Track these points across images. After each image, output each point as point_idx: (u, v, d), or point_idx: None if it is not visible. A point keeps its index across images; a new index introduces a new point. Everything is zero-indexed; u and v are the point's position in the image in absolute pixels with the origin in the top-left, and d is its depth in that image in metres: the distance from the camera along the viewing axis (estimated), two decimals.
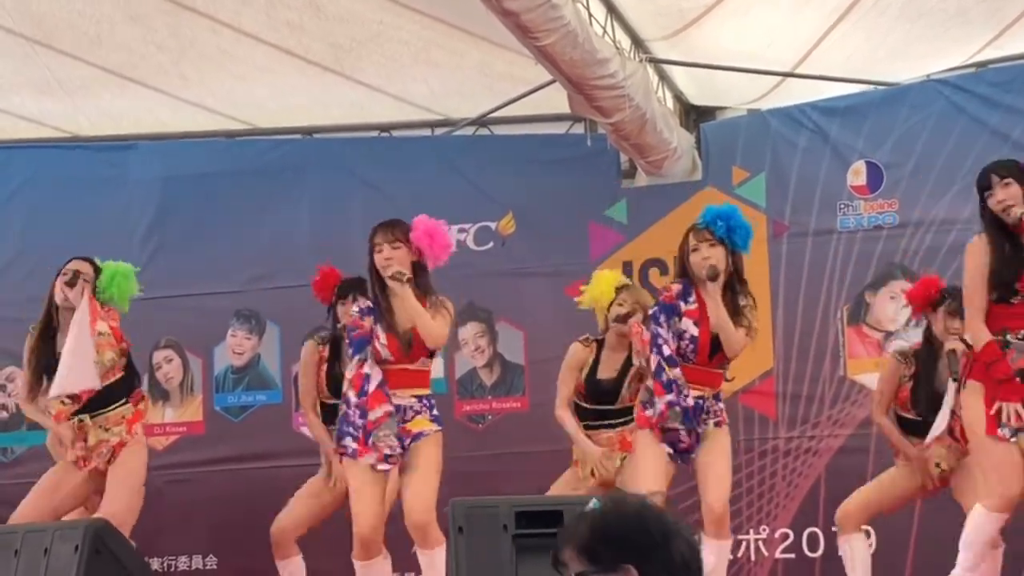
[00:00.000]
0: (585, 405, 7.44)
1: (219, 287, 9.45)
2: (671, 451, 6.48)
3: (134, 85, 9.31)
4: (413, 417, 6.30)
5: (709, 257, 6.34)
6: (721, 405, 6.55)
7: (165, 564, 9.25)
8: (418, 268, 6.32)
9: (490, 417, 9.24)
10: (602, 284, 7.51)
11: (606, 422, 7.35)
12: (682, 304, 6.43)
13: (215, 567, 9.27)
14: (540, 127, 9.75)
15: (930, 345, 7.11)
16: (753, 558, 8.69)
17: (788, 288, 8.85)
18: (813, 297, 8.79)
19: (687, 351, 6.41)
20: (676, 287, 6.46)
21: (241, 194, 9.56)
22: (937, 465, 7.01)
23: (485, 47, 8.73)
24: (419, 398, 6.32)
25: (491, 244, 9.16)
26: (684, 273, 6.49)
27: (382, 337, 6.29)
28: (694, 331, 6.39)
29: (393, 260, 6.25)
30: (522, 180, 9.22)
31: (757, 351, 8.80)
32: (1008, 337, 5.83)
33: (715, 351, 6.42)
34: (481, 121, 9.74)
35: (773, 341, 8.82)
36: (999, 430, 5.81)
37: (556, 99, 8.64)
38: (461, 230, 8.99)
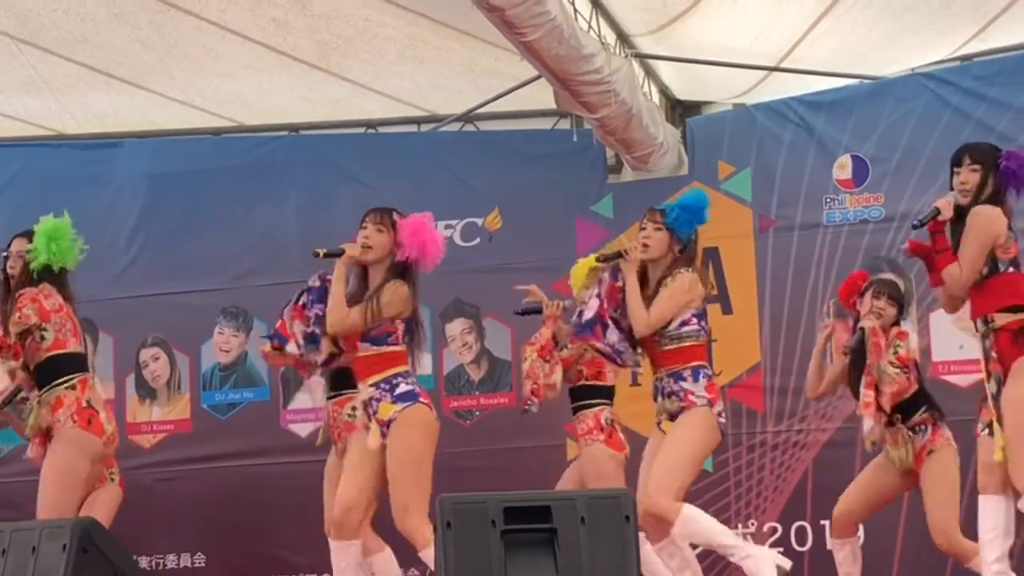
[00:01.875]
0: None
1: (206, 284, 9.44)
2: None
3: (119, 83, 9.31)
4: (377, 407, 6.18)
5: (648, 237, 6.28)
6: (687, 385, 6.23)
7: (153, 562, 9.24)
8: (395, 261, 6.23)
9: (478, 413, 9.24)
10: (576, 271, 7.50)
11: (586, 402, 7.43)
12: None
13: (203, 565, 9.27)
14: (526, 123, 9.77)
15: (861, 331, 7.14)
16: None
17: (775, 282, 8.87)
18: (800, 291, 8.81)
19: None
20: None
21: (227, 191, 9.55)
22: (873, 443, 7.03)
23: (471, 43, 8.74)
24: (376, 385, 6.18)
25: (478, 240, 9.17)
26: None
27: None
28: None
29: (370, 240, 6.17)
30: (508, 176, 9.23)
31: (744, 345, 8.84)
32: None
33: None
34: (467, 117, 9.75)
35: (760, 335, 8.84)
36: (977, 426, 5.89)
37: (542, 95, 8.65)
38: (448, 226, 8.99)
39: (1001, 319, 5.82)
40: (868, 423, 6.84)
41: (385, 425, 6.15)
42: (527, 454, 8.39)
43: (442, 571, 5.12)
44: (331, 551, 6.42)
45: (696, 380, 6.25)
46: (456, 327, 9.25)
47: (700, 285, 6.26)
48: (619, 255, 6.29)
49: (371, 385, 6.17)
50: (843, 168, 8.85)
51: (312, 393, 9.20)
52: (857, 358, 6.98)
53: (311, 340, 6.29)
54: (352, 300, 6.16)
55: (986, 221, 5.88)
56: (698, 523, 6.18)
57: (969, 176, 5.91)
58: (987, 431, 5.88)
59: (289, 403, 9.38)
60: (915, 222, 6.01)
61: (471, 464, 8.74)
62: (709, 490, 8.61)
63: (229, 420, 9.46)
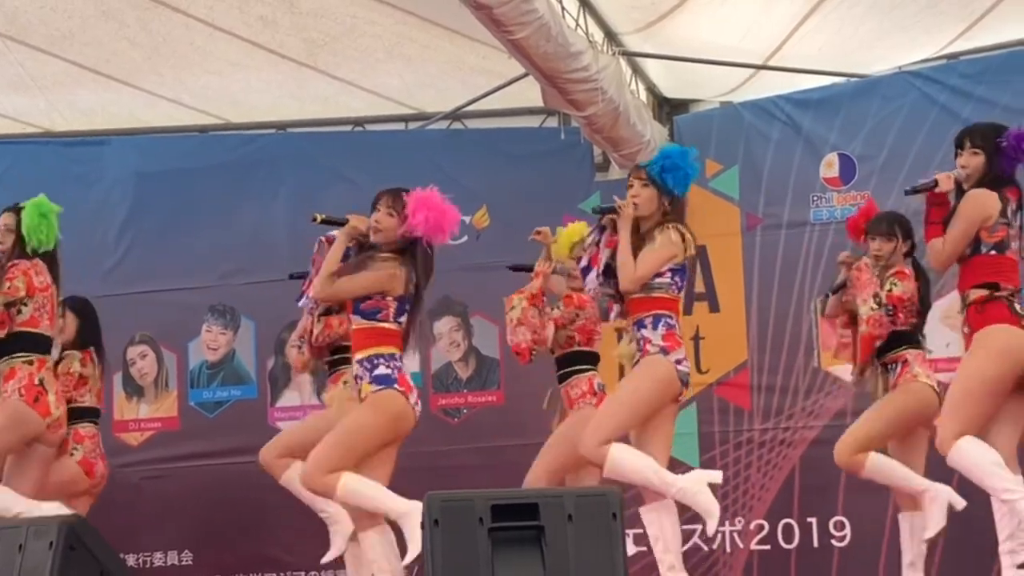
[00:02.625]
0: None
1: (193, 282, 9.43)
2: None
3: (107, 80, 9.30)
4: (360, 385, 6.15)
5: (637, 195, 6.30)
6: (647, 333, 6.22)
7: (141, 560, 9.23)
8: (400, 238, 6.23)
9: (465, 411, 9.25)
10: (563, 237, 7.51)
11: (559, 375, 7.44)
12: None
13: (191, 563, 9.26)
14: (514, 121, 9.78)
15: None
16: (728, 550, 8.72)
17: (762, 280, 8.88)
18: (787, 289, 8.82)
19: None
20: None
21: (215, 189, 9.54)
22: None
23: (458, 41, 8.75)
24: (360, 362, 6.13)
25: (465, 238, 9.13)
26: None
27: None
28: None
29: (380, 223, 6.19)
30: (496, 174, 9.23)
31: (731, 343, 8.85)
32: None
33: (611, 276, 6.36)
34: (455, 115, 9.75)
35: (747, 333, 8.85)
36: None
37: (530, 93, 8.66)
38: None
39: (974, 294, 5.99)
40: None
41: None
42: (515, 452, 8.38)
43: (430, 569, 5.13)
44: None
45: (655, 328, 6.24)
46: (444, 325, 9.25)
47: (683, 241, 6.27)
48: (614, 209, 6.30)
49: (357, 361, 6.15)
50: (830, 166, 8.87)
51: (300, 390, 9.23)
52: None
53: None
54: (342, 271, 6.17)
55: (976, 203, 6.02)
56: (625, 463, 6.15)
57: (970, 159, 6.01)
58: None
59: (277, 400, 9.38)
60: (908, 188, 6.07)
61: (458, 462, 8.76)
62: None
63: (217, 418, 9.45)
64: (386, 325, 6.17)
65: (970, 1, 8.35)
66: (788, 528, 8.66)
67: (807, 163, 8.91)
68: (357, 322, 6.16)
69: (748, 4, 8.33)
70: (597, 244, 6.37)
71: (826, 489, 8.49)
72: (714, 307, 9.00)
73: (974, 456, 5.91)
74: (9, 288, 6.71)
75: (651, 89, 9.57)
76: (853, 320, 7.08)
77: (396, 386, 6.10)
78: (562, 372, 7.44)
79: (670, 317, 6.26)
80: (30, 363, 6.82)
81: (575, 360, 7.42)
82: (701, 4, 8.18)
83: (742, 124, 9.09)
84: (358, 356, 6.14)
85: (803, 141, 8.94)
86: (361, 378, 6.12)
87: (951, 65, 8.90)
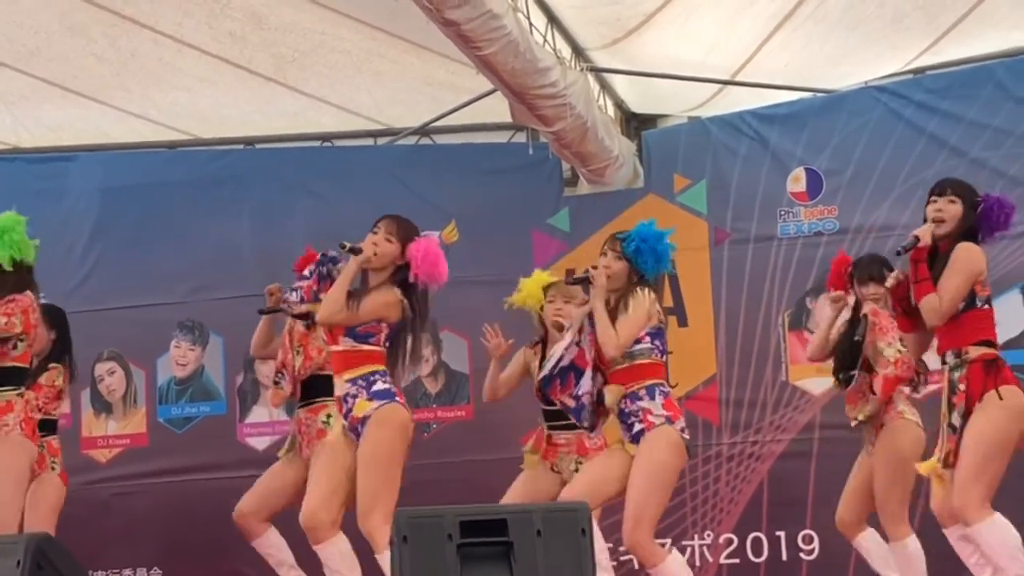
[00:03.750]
0: (543, 407, 7.38)
1: (161, 298, 9.41)
2: None
3: (74, 96, 9.28)
4: (353, 403, 6.22)
5: (608, 267, 6.27)
6: (644, 404, 6.20)
7: None
8: (399, 270, 6.29)
9: (435, 426, 9.25)
10: (529, 286, 7.53)
11: (562, 422, 7.21)
12: None
13: None
14: (482, 136, 9.79)
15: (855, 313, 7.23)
16: (698, 564, 8.74)
17: (730, 295, 8.91)
18: (755, 303, 8.85)
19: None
20: None
21: (183, 205, 9.52)
22: (855, 419, 7.09)
23: (427, 57, 8.75)
24: (352, 381, 6.22)
25: None
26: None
27: None
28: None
29: (376, 247, 6.25)
30: (465, 189, 9.24)
31: (700, 357, 8.87)
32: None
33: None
34: (423, 130, 9.76)
35: (716, 347, 8.88)
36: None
37: (498, 108, 8.67)
38: None
39: (975, 351, 5.84)
40: (847, 407, 6.99)
41: (359, 423, 6.19)
42: (484, 467, 8.39)
43: None
44: (322, 559, 6.45)
45: (652, 398, 6.22)
46: None
47: (655, 304, 6.27)
48: (587, 279, 6.27)
49: (347, 381, 6.21)
50: (797, 181, 8.90)
51: (269, 407, 9.21)
52: (844, 339, 7.10)
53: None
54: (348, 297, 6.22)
55: (972, 257, 5.90)
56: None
57: (947, 206, 5.92)
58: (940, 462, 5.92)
59: (246, 417, 9.37)
60: (899, 250, 5.94)
61: (427, 477, 8.72)
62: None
63: (185, 434, 9.43)
64: (376, 348, 6.27)
65: (935, 16, 8.39)
66: (757, 542, 8.68)
67: (774, 178, 8.94)
68: (347, 344, 6.23)
69: (714, 20, 8.36)
70: (578, 344, 6.23)
71: (795, 503, 8.52)
72: (682, 321, 9.02)
73: (1003, 535, 5.80)
74: (7, 324, 6.69)
75: (619, 104, 9.60)
76: (867, 366, 7.05)
77: (397, 399, 6.24)
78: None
79: (663, 384, 6.25)
80: (22, 395, 6.84)
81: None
82: (668, 20, 8.21)
83: (709, 139, 9.13)
84: (348, 376, 6.21)
85: (770, 156, 8.97)
86: (354, 396, 6.18)
87: (917, 80, 8.96)
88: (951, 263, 5.85)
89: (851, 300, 7.26)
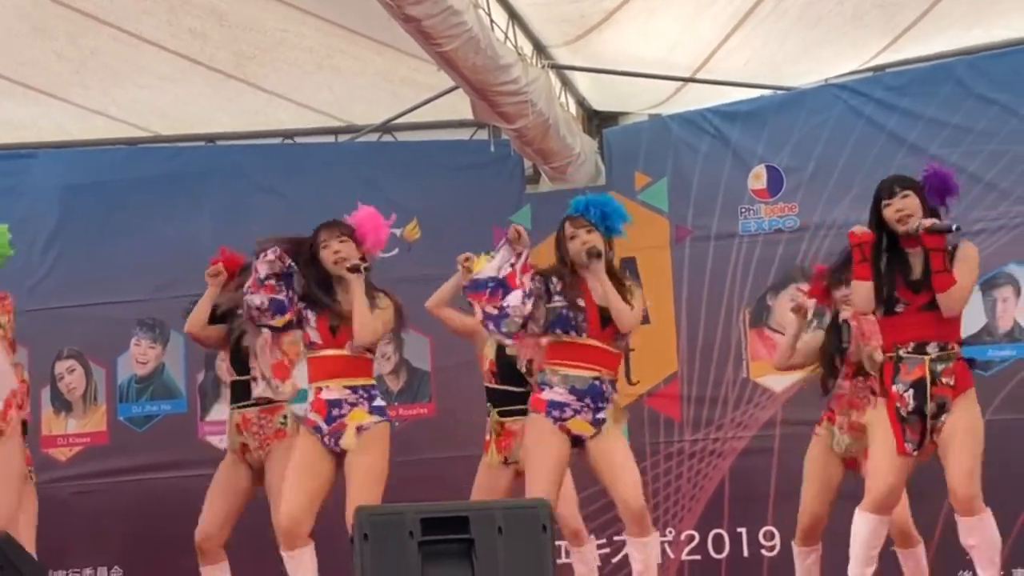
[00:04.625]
0: (496, 387, 7.36)
1: (122, 296, 9.37)
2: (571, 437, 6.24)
3: (34, 93, 9.23)
4: (349, 411, 6.26)
5: (588, 241, 6.28)
6: (614, 394, 6.29)
7: None
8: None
9: (396, 424, 9.19)
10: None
11: (518, 407, 7.11)
12: (551, 284, 6.31)
13: None
14: (444, 133, 9.78)
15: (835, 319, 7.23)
16: (660, 560, 8.75)
17: (691, 292, 8.93)
18: (716, 300, 8.88)
19: (577, 321, 6.23)
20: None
21: (143, 202, 9.48)
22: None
23: (388, 53, 8.75)
24: (352, 389, 6.28)
25: (396, 251, 9.13)
26: (563, 261, 6.37)
27: (312, 320, 6.34)
28: (579, 301, 6.24)
29: (342, 252, 6.32)
30: (426, 186, 9.22)
31: (661, 354, 8.89)
32: (900, 352, 5.92)
33: (606, 323, 6.25)
34: (385, 127, 9.75)
35: (677, 344, 8.90)
36: (906, 445, 5.91)
37: (459, 105, 8.67)
38: None
39: (957, 349, 5.91)
40: (855, 414, 6.96)
41: (356, 429, 6.26)
42: (446, 464, 8.39)
43: None
44: (287, 565, 6.40)
45: (615, 391, 6.32)
46: None
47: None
48: (598, 254, 6.25)
49: (346, 387, 6.26)
50: (758, 178, 8.93)
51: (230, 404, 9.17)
52: (828, 342, 7.07)
53: (276, 305, 6.32)
54: (339, 312, 6.29)
55: (976, 256, 5.99)
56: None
57: (904, 203, 5.95)
58: (911, 446, 5.92)
59: (207, 415, 9.33)
60: (928, 227, 5.90)
61: (389, 475, 8.72)
62: None
63: (146, 432, 9.40)
64: (370, 356, 6.41)
65: (895, 15, 8.43)
66: (718, 538, 8.71)
67: (735, 175, 8.97)
68: (353, 350, 6.32)
69: (676, 18, 8.39)
70: (512, 265, 6.26)
71: (756, 499, 8.55)
72: (644, 319, 9.02)
73: (995, 531, 5.88)
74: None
75: (580, 102, 9.61)
76: (859, 371, 7.05)
77: (388, 418, 6.41)
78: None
79: None
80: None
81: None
82: (629, 17, 8.23)
83: (671, 137, 9.15)
84: (348, 382, 6.29)
85: (731, 153, 9.00)
86: (353, 404, 6.27)
87: (876, 78, 9.00)
88: (964, 260, 5.89)
89: (810, 305, 7.25)
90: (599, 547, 8.63)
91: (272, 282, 6.31)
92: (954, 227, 5.87)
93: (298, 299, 6.36)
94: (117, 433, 9.41)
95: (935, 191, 6.02)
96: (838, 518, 6.55)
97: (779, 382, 8.57)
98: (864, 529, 5.97)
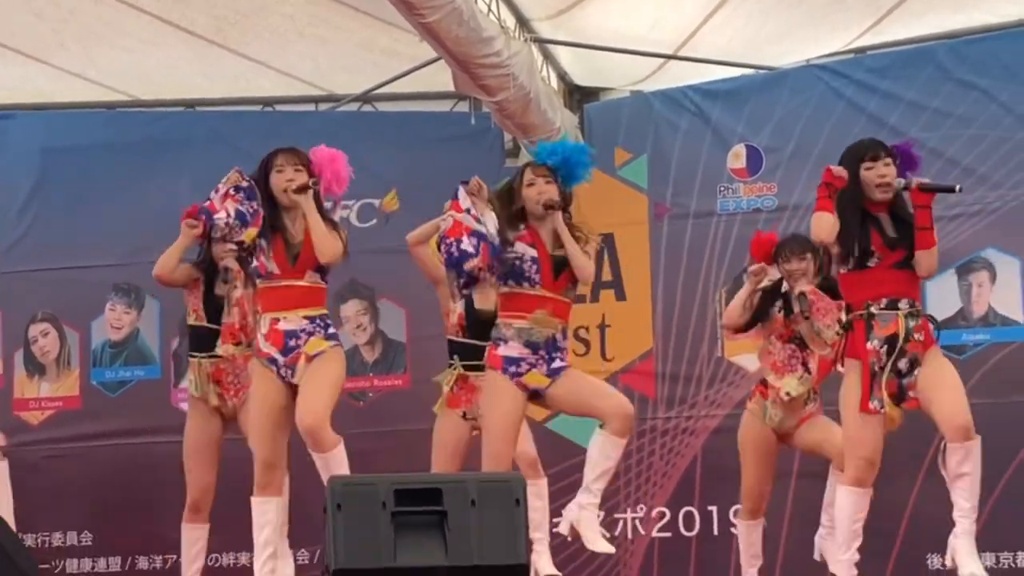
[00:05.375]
0: (463, 340, 7.33)
1: (98, 260, 9.34)
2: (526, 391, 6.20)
3: (12, 54, 9.18)
4: (307, 339, 6.19)
5: (544, 192, 6.18)
6: (567, 343, 6.27)
7: (40, 540, 9.14)
8: (316, 197, 6.25)
9: (371, 394, 9.24)
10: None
11: (479, 361, 7.01)
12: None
13: (90, 543, 9.19)
14: (425, 104, 9.76)
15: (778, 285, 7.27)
16: (630, 536, 8.79)
17: (668, 269, 8.94)
18: (693, 279, 8.89)
19: (530, 273, 6.14)
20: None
21: (122, 166, 9.44)
22: (787, 394, 7.11)
23: (370, 23, 8.72)
24: (310, 319, 6.20)
25: (374, 221, 9.15)
26: (511, 203, 6.27)
27: (267, 250, 6.22)
28: (532, 252, 6.15)
29: (296, 181, 6.21)
30: (406, 157, 9.21)
31: (637, 331, 8.91)
32: (872, 309, 5.94)
33: (559, 271, 6.17)
34: (365, 97, 9.72)
35: (653, 322, 8.91)
36: (871, 403, 5.92)
37: (441, 77, 8.65)
38: (344, 207, 8.95)
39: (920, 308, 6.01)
40: (792, 382, 6.99)
41: (307, 359, 6.16)
42: (419, 436, 8.37)
43: (332, 552, 5.13)
44: (254, 510, 6.33)
45: (565, 338, 6.27)
46: (350, 308, 9.23)
47: None
48: (555, 205, 6.17)
49: (305, 317, 6.20)
50: (738, 157, 8.94)
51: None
52: (764, 302, 7.15)
53: (240, 217, 6.20)
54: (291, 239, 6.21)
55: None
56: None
57: (887, 171, 5.99)
58: (883, 408, 5.94)
59: (180, 382, 9.30)
60: (926, 184, 5.93)
61: (363, 446, 8.66)
62: None
63: (119, 397, 9.37)
64: (325, 285, 6.35)
65: None
66: (689, 516, 8.74)
67: (715, 153, 8.97)
68: (312, 279, 6.23)
69: None
70: (468, 211, 6.15)
71: (727, 478, 8.54)
72: (620, 295, 9.05)
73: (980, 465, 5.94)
74: None
75: (562, 76, 9.60)
76: (794, 339, 7.08)
77: (341, 344, 6.33)
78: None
79: None
80: None
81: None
82: None
83: (651, 113, 9.14)
84: (307, 312, 6.20)
85: (711, 132, 9.00)
86: (311, 334, 6.18)
87: (858, 59, 9.01)
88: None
89: (772, 274, 7.28)
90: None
91: (233, 193, 6.23)
92: (957, 187, 5.95)
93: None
94: (90, 398, 9.39)
95: (905, 164, 6.08)
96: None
97: (753, 361, 8.56)
98: (847, 503, 6.02)
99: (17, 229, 9.49)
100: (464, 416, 7.30)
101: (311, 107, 9.91)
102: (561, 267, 6.16)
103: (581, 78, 9.70)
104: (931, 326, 5.95)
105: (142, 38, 8.99)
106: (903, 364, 5.90)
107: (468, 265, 6.04)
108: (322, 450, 6.14)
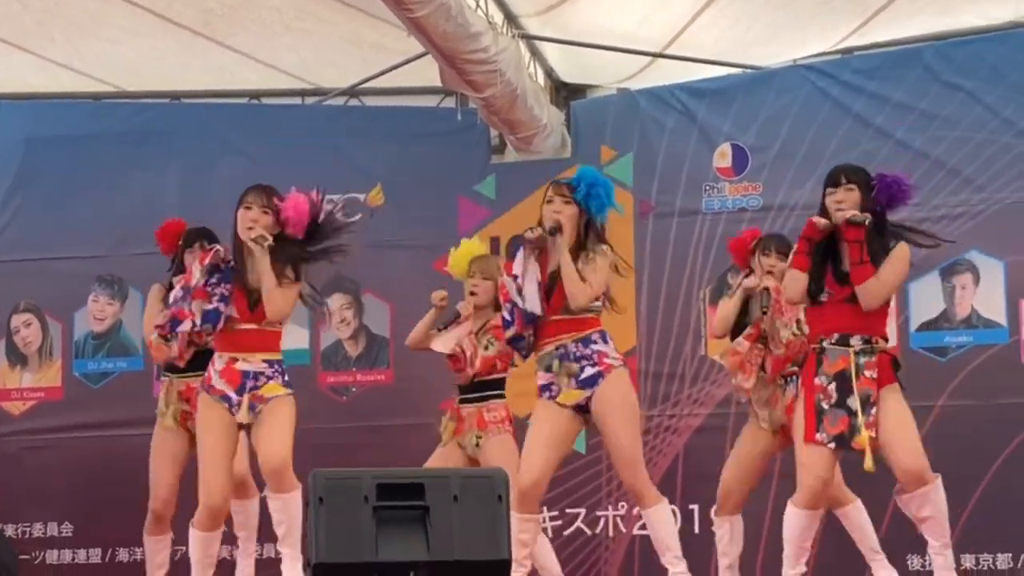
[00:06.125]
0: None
1: (81, 251, 9.32)
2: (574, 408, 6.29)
3: None
4: (265, 383, 6.22)
5: (557, 212, 6.27)
6: (599, 347, 6.28)
7: (20, 531, 9.12)
8: (284, 239, 6.28)
9: (354, 389, 9.22)
10: (460, 253, 7.50)
11: (471, 395, 7.24)
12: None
13: (70, 534, 9.17)
14: (411, 99, 9.75)
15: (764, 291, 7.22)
16: (611, 534, 8.78)
17: (653, 268, 8.94)
18: (677, 277, 8.89)
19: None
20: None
21: (106, 158, 9.42)
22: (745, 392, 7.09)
23: (358, 17, 8.70)
24: (269, 363, 6.25)
25: (359, 216, 9.11)
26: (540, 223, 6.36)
27: (229, 293, 6.25)
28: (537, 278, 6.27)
29: (258, 224, 6.20)
30: (392, 152, 9.20)
31: (620, 329, 8.87)
32: (824, 343, 5.95)
33: (550, 293, 6.26)
34: (352, 91, 9.71)
35: (636, 320, 8.91)
36: (817, 435, 5.94)
37: (428, 72, 8.64)
38: (329, 200, 8.92)
39: (883, 343, 5.95)
40: (741, 376, 6.95)
41: (261, 401, 6.20)
42: (402, 431, 8.39)
43: (313, 545, 5.12)
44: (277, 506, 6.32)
45: (606, 342, 6.32)
46: (334, 302, 9.21)
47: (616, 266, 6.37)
48: (554, 230, 6.23)
49: (264, 361, 6.23)
50: (723, 156, 8.94)
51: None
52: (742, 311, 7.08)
53: (208, 317, 6.24)
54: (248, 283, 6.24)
55: (907, 258, 6.00)
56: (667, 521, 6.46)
57: (846, 195, 5.97)
58: (832, 444, 5.94)
59: (163, 374, 9.27)
60: (851, 218, 5.88)
61: (345, 440, 8.72)
62: (582, 472, 8.67)
63: (101, 389, 9.35)
64: (282, 329, 6.40)
65: None
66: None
67: (701, 152, 8.97)
68: (267, 325, 6.26)
69: None
70: (516, 278, 6.26)
71: (709, 477, 8.51)
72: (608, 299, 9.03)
73: (943, 497, 5.95)
74: None
75: (549, 73, 9.59)
76: (762, 339, 7.07)
77: (293, 394, 6.31)
78: (482, 394, 7.24)
79: (605, 332, 6.34)
80: None
81: (497, 385, 7.26)
82: None
83: (638, 111, 9.14)
84: (265, 356, 6.25)
85: (697, 130, 9.00)
86: (269, 378, 6.22)
87: (845, 60, 9.02)
88: (892, 258, 5.92)
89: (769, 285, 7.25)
90: (552, 519, 8.69)
91: (206, 281, 6.25)
92: (867, 221, 5.87)
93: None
94: (72, 389, 9.37)
95: (882, 195, 6.01)
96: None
97: (741, 382, 8.58)
98: (795, 524, 6.07)
99: (0, 219, 9.47)
100: (459, 445, 7.29)
101: (297, 100, 9.90)
102: (552, 287, 6.25)
103: (568, 75, 9.70)
104: (890, 363, 5.92)
105: (128, 29, 8.96)
106: (852, 402, 5.87)
107: (506, 334, 6.32)
108: (284, 491, 6.21)
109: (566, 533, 8.75)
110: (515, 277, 6.27)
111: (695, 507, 8.64)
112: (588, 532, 8.76)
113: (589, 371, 6.25)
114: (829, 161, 8.32)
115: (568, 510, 8.77)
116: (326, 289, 9.05)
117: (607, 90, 9.69)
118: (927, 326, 8.34)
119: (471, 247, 7.51)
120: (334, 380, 9.19)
